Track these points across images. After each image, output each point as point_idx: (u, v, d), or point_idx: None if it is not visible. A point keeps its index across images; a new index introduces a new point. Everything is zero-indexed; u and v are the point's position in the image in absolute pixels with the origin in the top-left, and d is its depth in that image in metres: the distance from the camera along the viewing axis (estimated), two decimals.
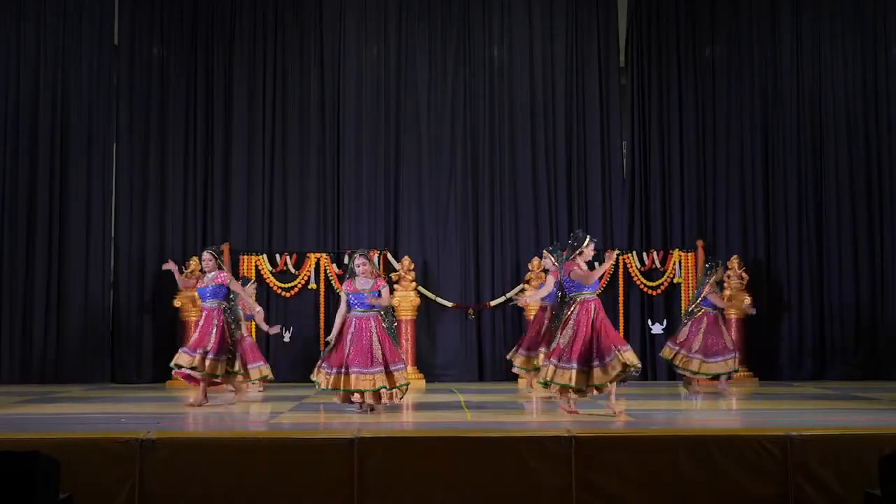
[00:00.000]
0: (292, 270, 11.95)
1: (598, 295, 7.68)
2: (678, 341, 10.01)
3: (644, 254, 12.15)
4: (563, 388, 7.47)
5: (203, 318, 8.77)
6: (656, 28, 12.58)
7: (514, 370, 10.03)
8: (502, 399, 9.45)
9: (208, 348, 8.58)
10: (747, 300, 11.41)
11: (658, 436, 6.16)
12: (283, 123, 12.35)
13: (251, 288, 10.58)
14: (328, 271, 11.97)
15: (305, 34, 12.46)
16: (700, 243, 12.11)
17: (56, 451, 5.11)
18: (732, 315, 11.47)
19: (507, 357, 10.13)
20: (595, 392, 7.46)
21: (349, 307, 7.86)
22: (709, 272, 10.07)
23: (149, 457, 5.72)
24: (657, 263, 12.14)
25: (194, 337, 8.80)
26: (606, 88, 12.51)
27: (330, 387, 7.73)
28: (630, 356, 7.35)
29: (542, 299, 9.79)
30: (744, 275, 11.63)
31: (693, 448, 5.88)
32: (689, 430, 6.73)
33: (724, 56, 12.58)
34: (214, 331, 8.63)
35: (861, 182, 12.33)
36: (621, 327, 11.76)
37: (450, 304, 12.06)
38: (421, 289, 11.89)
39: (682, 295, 12.08)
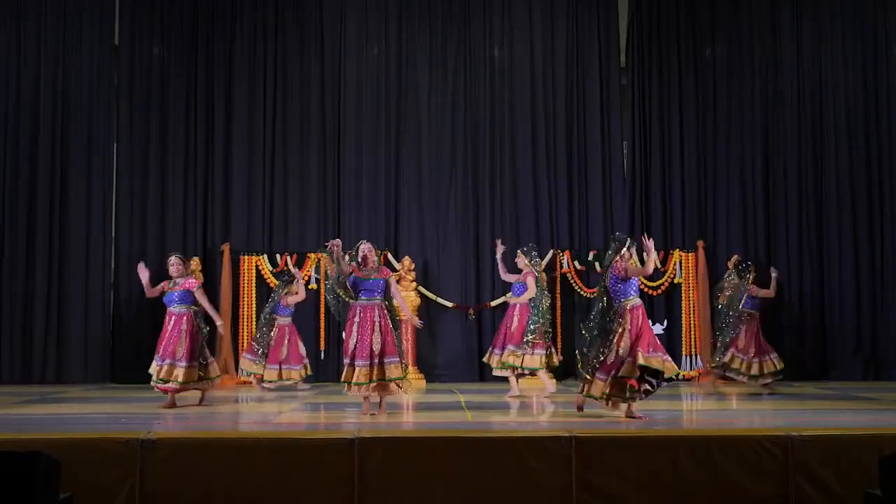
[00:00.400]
0: (293, 270, 11.93)
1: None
2: (740, 348, 10.06)
3: (644, 254, 12.11)
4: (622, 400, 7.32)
5: (172, 322, 8.58)
6: (657, 28, 12.58)
7: (496, 372, 9.94)
8: (502, 399, 9.44)
9: (178, 356, 8.44)
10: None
11: (658, 436, 6.17)
12: (283, 123, 12.35)
13: (300, 274, 11.00)
14: (328, 271, 11.94)
15: (305, 34, 12.46)
16: (700, 243, 12.11)
17: (56, 451, 5.12)
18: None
19: (484, 360, 10.15)
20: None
21: (355, 292, 7.82)
22: (744, 274, 10.14)
23: (149, 457, 5.72)
24: (657, 263, 12.12)
25: (162, 343, 8.58)
26: (607, 88, 12.51)
27: (343, 380, 7.80)
28: (654, 361, 7.17)
29: (515, 295, 9.82)
30: None
31: (693, 448, 5.88)
32: (690, 430, 6.74)
33: (724, 56, 12.57)
34: (185, 336, 8.48)
35: (861, 182, 12.33)
36: None
37: (450, 305, 12.06)
38: (421, 289, 11.90)
39: (683, 295, 12.09)
